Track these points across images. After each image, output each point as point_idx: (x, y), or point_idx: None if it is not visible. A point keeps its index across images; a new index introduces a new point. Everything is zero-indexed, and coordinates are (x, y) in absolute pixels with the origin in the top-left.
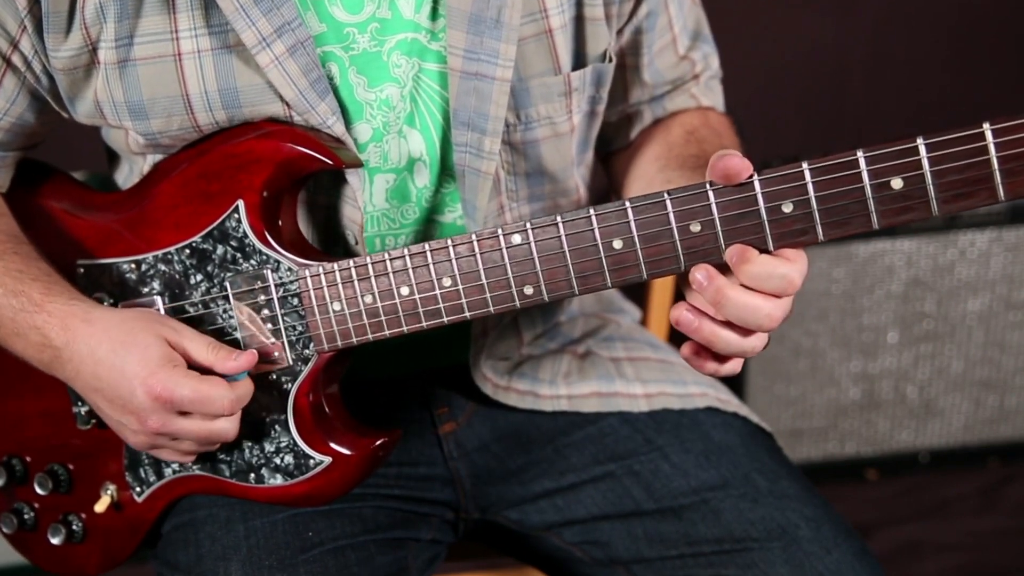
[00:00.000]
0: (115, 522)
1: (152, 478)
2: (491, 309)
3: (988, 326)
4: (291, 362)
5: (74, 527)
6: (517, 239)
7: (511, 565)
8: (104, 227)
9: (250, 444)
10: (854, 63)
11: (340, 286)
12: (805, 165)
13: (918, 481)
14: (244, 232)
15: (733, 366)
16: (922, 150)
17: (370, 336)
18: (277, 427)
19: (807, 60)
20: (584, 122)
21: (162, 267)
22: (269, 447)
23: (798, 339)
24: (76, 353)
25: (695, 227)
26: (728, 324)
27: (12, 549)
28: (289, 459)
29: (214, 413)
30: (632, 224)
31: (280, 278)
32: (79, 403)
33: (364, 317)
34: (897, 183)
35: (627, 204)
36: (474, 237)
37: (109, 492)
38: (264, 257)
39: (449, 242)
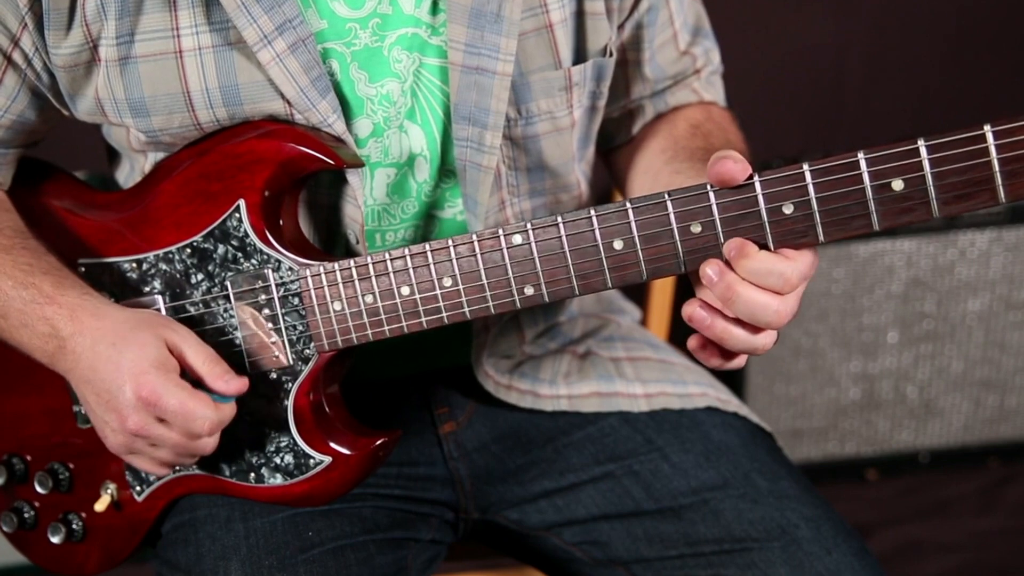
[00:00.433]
0: (115, 521)
1: (152, 477)
2: (491, 309)
3: (988, 326)
4: (291, 361)
5: (74, 526)
6: (518, 239)
7: (511, 565)
8: (105, 226)
9: (250, 443)
10: (854, 63)
11: (341, 286)
12: (806, 166)
13: (918, 481)
14: (245, 231)
15: (739, 361)
16: (923, 151)
17: (370, 336)
18: (277, 426)
19: (807, 60)
20: (585, 117)
21: (163, 266)
22: (269, 446)
23: (798, 339)
24: (79, 344)
25: (696, 228)
26: (738, 321)
27: (12, 548)
28: (289, 459)
29: (193, 431)
30: (633, 224)
31: (281, 277)
32: (80, 402)
33: (364, 317)
34: (898, 184)
35: (628, 205)
36: (475, 237)
37: (109, 491)
38: (265, 257)
39: (450, 242)
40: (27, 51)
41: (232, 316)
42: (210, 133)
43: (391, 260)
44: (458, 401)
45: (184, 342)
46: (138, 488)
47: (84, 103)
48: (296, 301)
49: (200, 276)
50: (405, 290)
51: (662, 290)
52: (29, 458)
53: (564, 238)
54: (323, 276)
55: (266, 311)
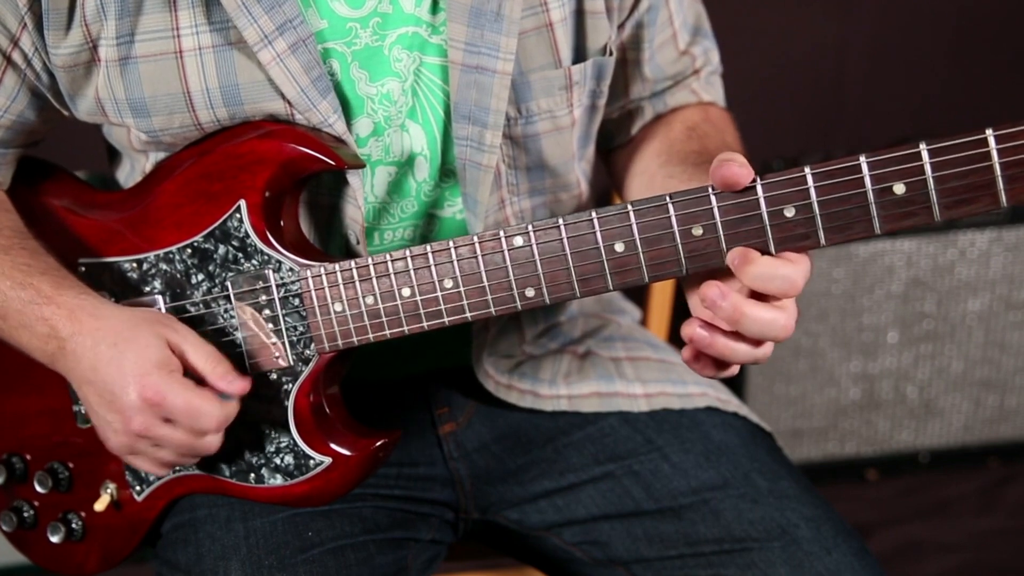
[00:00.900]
0: (115, 521)
1: (152, 477)
2: (493, 311)
3: (988, 326)
4: (292, 362)
5: (74, 526)
6: (519, 241)
7: (511, 565)
8: (106, 226)
9: (250, 444)
10: (854, 63)
11: (341, 287)
12: (807, 170)
13: (918, 481)
14: (246, 232)
15: (732, 369)
16: (925, 156)
17: (371, 337)
18: (277, 427)
19: (807, 60)
20: (585, 116)
21: (163, 266)
22: (269, 447)
23: (798, 339)
24: (80, 345)
25: (697, 231)
26: (739, 336)
27: (12, 548)
28: (289, 459)
29: (200, 428)
30: (634, 227)
31: (281, 278)
32: (80, 402)
33: (365, 318)
34: (899, 188)
35: (629, 207)
36: (476, 239)
37: (109, 491)
38: (265, 257)
39: (451, 243)
40: (27, 51)
41: (232, 317)
42: (211, 133)
43: (392, 261)
44: (458, 401)
45: (185, 341)
46: (138, 488)
47: (84, 103)
48: (297, 302)
49: (200, 276)
50: (406, 291)
51: (662, 290)
52: (29, 457)
53: (565, 240)
54: (324, 277)
55: (266, 312)
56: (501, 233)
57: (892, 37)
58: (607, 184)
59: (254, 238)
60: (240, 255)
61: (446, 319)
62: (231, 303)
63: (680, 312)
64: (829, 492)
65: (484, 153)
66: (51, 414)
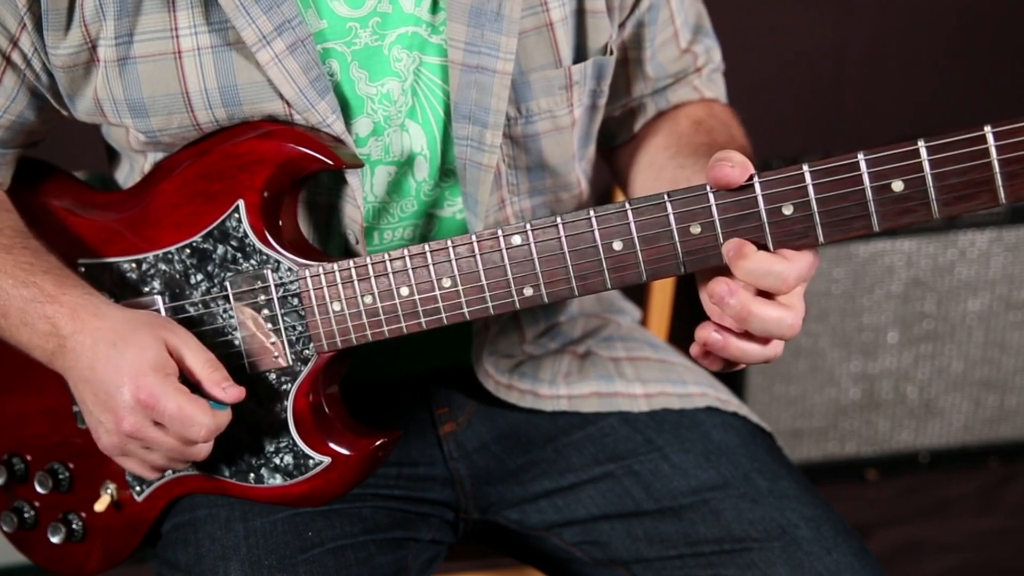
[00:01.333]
0: (115, 521)
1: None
2: (491, 310)
3: (988, 326)
4: (291, 362)
5: (74, 526)
6: (517, 240)
7: (511, 565)
8: (105, 226)
9: (250, 444)
10: (854, 63)
11: (340, 286)
12: (806, 167)
13: (918, 481)
14: (244, 232)
15: (740, 364)
16: (923, 152)
17: (369, 336)
18: (277, 427)
19: (807, 60)
20: (585, 116)
21: (162, 266)
22: (269, 447)
23: (798, 339)
24: (80, 343)
25: (695, 229)
26: (750, 336)
27: (12, 548)
28: (288, 459)
29: (189, 437)
30: (632, 225)
31: (280, 278)
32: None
33: (364, 317)
34: (898, 185)
35: (627, 206)
36: (474, 238)
37: (109, 491)
38: (264, 257)
39: (449, 243)
40: (26, 51)
41: (231, 317)
42: (210, 133)
43: (390, 261)
44: (458, 401)
45: (184, 345)
46: (138, 488)
47: (83, 103)
48: (295, 302)
49: (199, 276)
50: (404, 291)
51: (662, 290)
52: (29, 458)
53: (563, 239)
54: (322, 277)
55: (265, 312)
56: (499, 232)
57: (891, 37)
58: (607, 184)
59: (253, 238)
60: (239, 255)
61: (444, 318)
62: (230, 303)
63: (680, 312)
64: (829, 492)
65: (484, 153)
66: (51, 414)
